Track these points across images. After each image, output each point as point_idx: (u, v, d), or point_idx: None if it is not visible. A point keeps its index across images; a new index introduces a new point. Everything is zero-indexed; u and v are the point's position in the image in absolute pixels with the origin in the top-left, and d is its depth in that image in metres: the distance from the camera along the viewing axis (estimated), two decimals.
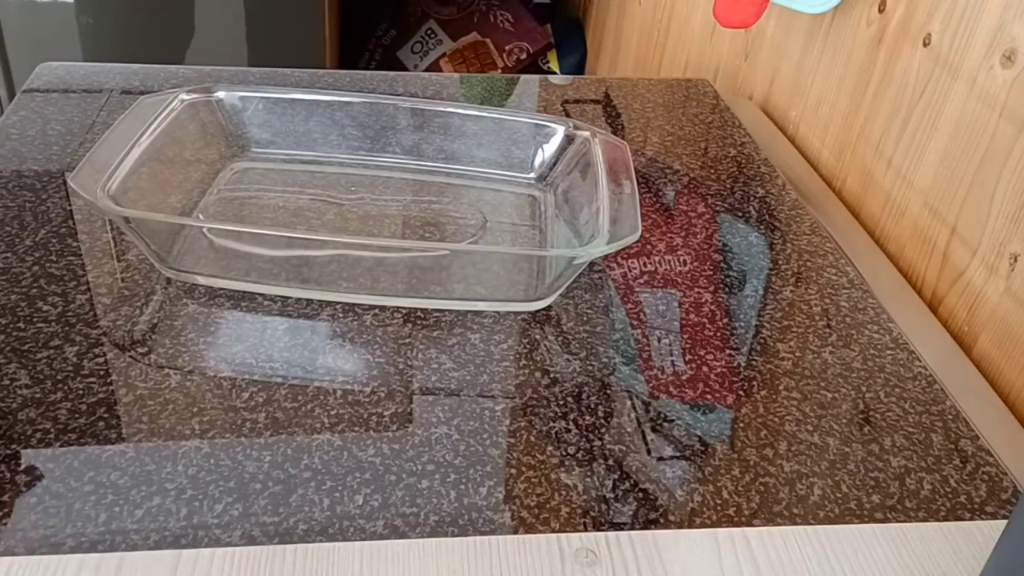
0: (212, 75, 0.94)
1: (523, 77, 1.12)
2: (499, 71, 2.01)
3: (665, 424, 0.56)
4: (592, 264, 0.70)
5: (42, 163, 0.78)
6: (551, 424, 0.56)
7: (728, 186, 0.84)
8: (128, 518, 0.47)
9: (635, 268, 0.71)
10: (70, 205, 0.73)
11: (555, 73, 2.02)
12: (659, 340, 0.63)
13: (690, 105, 1.00)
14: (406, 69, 2.03)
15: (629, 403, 0.58)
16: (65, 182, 0.75)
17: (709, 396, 0.58)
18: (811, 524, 0.49)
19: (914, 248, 0.76)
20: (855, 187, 0.86)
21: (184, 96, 0.74)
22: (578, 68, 1.98)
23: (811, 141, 0.94)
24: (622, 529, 0.48)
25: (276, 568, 0.41)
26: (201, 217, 0.71)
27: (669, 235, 0.75)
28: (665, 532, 0.46)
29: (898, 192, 0.78)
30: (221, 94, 0.76)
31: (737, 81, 1.13)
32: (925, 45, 0.75)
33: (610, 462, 0.53)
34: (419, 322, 0.63)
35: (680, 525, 0.49)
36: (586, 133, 0.75)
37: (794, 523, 0.50)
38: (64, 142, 0.81)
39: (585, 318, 0.65)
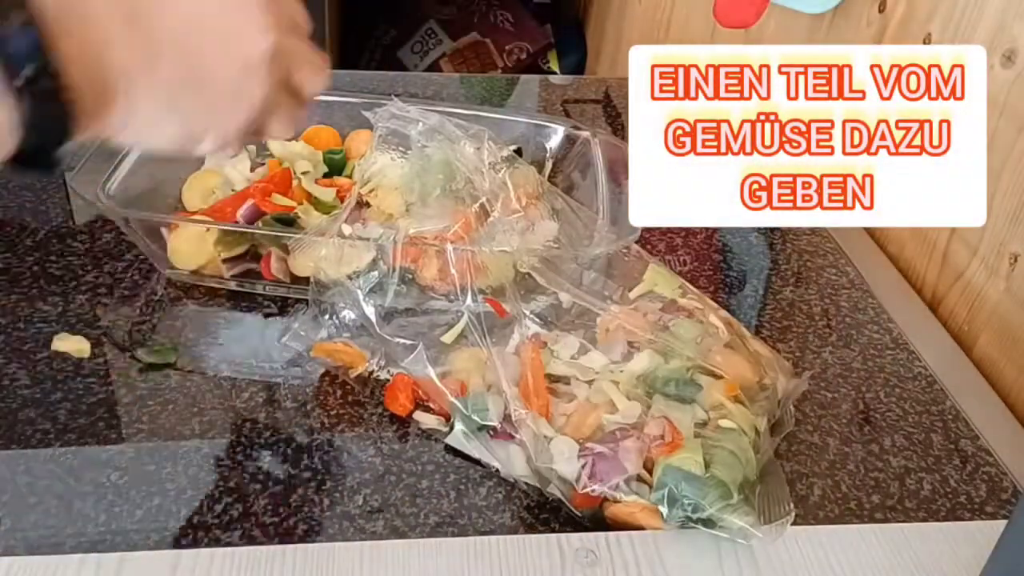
0: None
1: (523, 77, 1.12)
2: (499, 71, 2.01)
3: None
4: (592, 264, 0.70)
5: None
6: None
7: None
8: (128, 518, 0.47)
9: None
10: (70, 205, 0.73)
11: (555, 73, 2.02)
12: None
13: None
14: (406, 69, 2.02)
15: None
16: (65, 182, 0.75)
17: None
18: (811, 524, 0.49)
19: (914, 248, 0.76)
20: None
21: None
22: (578, 68, 1.98)
23: None
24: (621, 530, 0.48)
25: (276, 568, 0.41)
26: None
27: (669, 235, 0.75)
28: (665, 532, 0.46)
29: None
30: None
31: None
32: (925, 44, 0.75)
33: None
34: None
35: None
36: (586, 133, 0.75)
37: (794, 523, 0.50)
38: None
39: None
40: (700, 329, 0.54)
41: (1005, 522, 0.40)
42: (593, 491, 0.46)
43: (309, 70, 0.46)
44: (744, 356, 0.53)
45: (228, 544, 0.46)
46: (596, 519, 0.48)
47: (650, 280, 0.59)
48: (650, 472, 0.47)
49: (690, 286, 0.60)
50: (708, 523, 0.45)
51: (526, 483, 0.49)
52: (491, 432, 0.51)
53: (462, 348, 0.55)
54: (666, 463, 0.46)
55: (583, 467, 0.47)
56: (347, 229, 0.67)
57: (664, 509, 0.45)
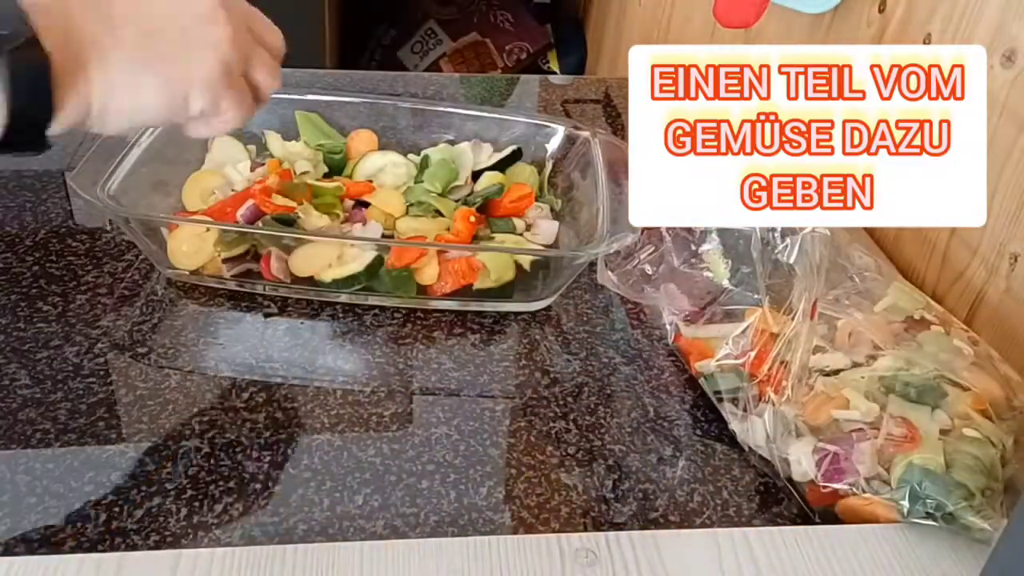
0: None
1: (523, 77, 1.12)
2: (499, 71, 2.01)
3: (665, 424, 0.56)
4: (592, 264, 0.70)
5: (42, 163, 0.78)
6: (551, 424, 0.56)
7: None
8: (128, 518, 0.47)
9: None
10: (70, 205, 0.73)
11: (555, 73, 2.02)
12: (659, 340, 0.63)
13: None
14: (406, 69, 2.02)
15: (629, 403, 0.58)
16: (65, 182, 0.75)
17: (710, 395, 0.58)
18: (811, 524, 0.49)
19: (914, 248, 0.76)
20: None
21: None
22: (578, 68, 1.98)
23: None
24: (622, 529, 0.48)
25: (276, 568, 0.41)
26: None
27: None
28: (665, 532, 0.46)
29: None
30: None
31: None
32: (925, 43, 0.75)
33: (610, 462, 0.53)
34: (419, 322, 0.63)
35: (680, 525, 0.49)
36: (586, 133, 0.75)
37: (794, 523, 0.50)
38: (64, 142, 0.81)
39: (585, 318, 0.65)
40: (947, 343, 0.54)
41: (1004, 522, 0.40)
42: (827, 488, 0.48)
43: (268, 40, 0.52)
44: (992, 375, 0.53)
45: (228, 544, 0.46)
46: (826, 514, 0.49)
47: (893, 296, 0.59)
48: (885, 469, 0.48)
49: (935, 304, 0.60)
50: (948, 520, 0.45)
51: (760, 456, 0.52)
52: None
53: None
54: (907, 460, 0.47)
55: (819, 465, 0.48)
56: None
57: (905, 505, 0.46)
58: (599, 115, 0.98)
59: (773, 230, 0.55)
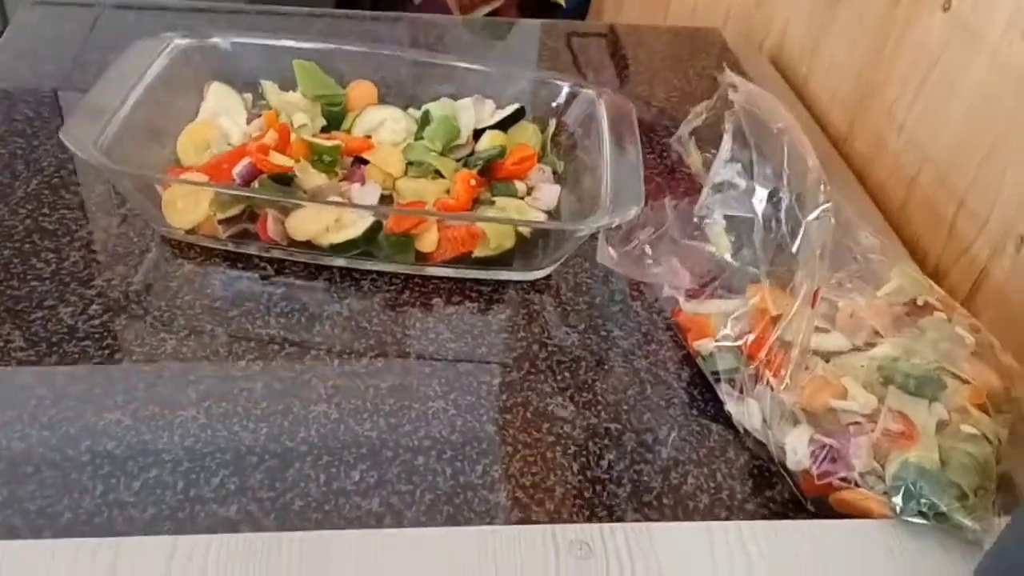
0: (207, 11, 0.91)
1: (524, 22, 1.09)
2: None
3: (661, 403, 0.56)
4: (595, 233, 0.69)
5: (33, 107, 0.76)
6: (547, 400, 0.55)
7: None
8: (125, 490, 0.47)
9: None
10: (63, 152, 0.71)
11: (560, 6, 1.97)
12: (658, 312, 0.63)
13: (698, 58, 0.98)
14: (408, 2, 1.96)
15: (626, 379, 0.58)
16: (58, 128, 0.73)
17: (707, 375, 0.58)
18: (804, 511, 0.50)
19: (920, 218, 0.75)
20: (863, 150, 0.84)
21: (178, 41, 0.72)
22: (583, 5, 1.92)
23: (820, 98, 0.92)
24: (615, 511, 0.49)
25: (273, 556, 0.41)
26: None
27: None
28: (659, 524, 0.46)
29: (908, 158, 0.77)
30: (216, 40, 0.74)
31: (748, 28, 1.10)
32: (945, 10, 0.72)
33: (605, 441, 0.53)
34: (417, 289, 0.62)
35: (673, 508, 0.50)
36: (591, 91, 0.73)
37: (786, 508, 0.50)
38: (56, 83, 0.79)
39: (585, 287, 0.65)
40: (949, 330, 0.54)
41: None
42: (821, 481, 0.48)
43: None
44: (992, 365, 0.52)
45: (225, 518, 0.46)
46: (819, 503, 0.49)
47: (897, 279, 0.58)
48: (880, 464, 0.48)
49: (939, 289, 0.59)
50: (941, 519, 0.45)
51: (755, 439, 0.53)
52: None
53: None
54: (903, 458, 0.47)
55: (814, 458, 0.48)
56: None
57: (898, 502, 0.46)
58: (605, 64, 0.95)
59: (777, 217, 0.54)
